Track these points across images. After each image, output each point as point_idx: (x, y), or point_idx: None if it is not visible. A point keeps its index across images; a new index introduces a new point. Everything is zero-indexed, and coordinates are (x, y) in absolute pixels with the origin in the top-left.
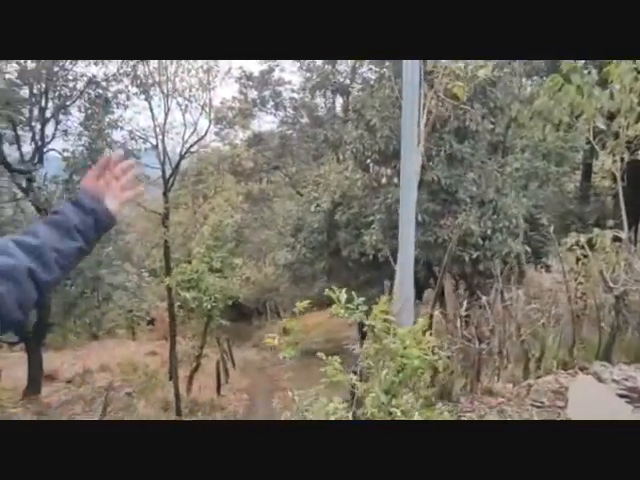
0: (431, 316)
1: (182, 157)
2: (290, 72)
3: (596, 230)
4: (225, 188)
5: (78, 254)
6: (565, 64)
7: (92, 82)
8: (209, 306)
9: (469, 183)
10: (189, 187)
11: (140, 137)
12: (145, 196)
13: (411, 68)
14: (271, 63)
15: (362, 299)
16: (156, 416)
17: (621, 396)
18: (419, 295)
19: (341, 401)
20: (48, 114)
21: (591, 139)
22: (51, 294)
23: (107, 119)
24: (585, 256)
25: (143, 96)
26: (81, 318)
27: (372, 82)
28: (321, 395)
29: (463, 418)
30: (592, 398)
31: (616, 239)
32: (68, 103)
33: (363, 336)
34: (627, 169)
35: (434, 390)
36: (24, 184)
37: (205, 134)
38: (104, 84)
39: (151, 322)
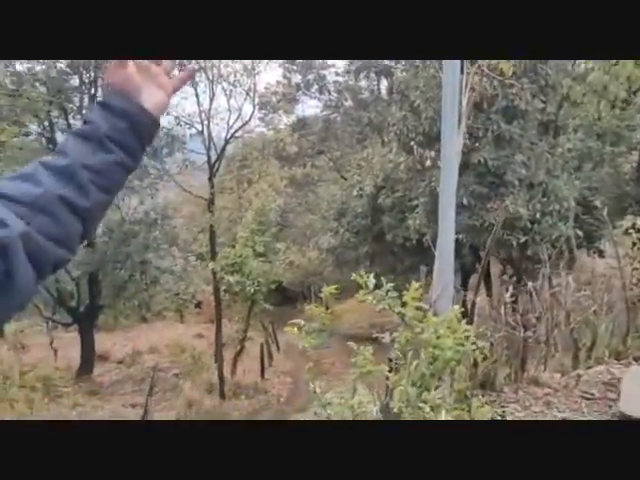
0: (474, 303)
1: (227, 142)
2: None
3: None
4: (269, 173)
5: (117, 169)
6: None
7: None
8: (252, 290)
9: (517, 165)
10: (234, 172)
11: (186, 123)
12: (191, 182)
13: None
14: None
15: (391, 285)
16: (200, 398)
17: None
18: (465, 281)
19: (367, 394)
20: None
21: None
22: (101, 276)
23: None
24: None
25: (189, 82)
26: (130, 301)
27: (417, 63)
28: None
29: (506, 409)
30: None
31: None
32: None
33: None
34: None
35: (469, 384)
36: None
37: (249, 119)
38: None
39: (198, 305)
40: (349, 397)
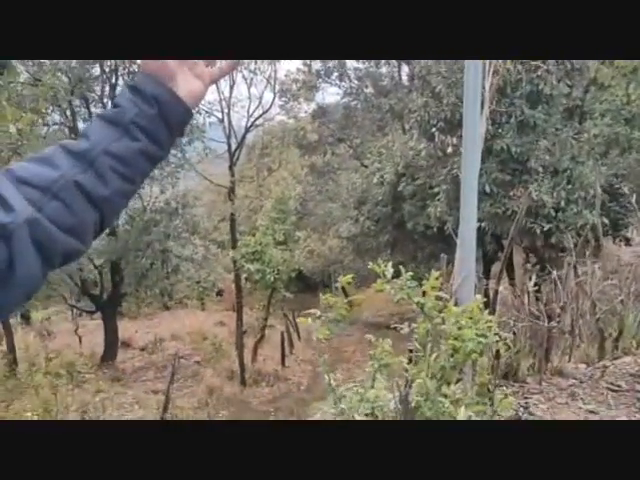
0: (496, 292)
1: (247, 131)
2: None
3: None
4: (289, 161)
5: (142, 158)
6: None
7: None
8: (272, 278)
9: (542, 151)
10: (254, 160)
11: (206, 111)
12: (212, 170)
13: None
14: None
15: (410, 274)
16: (221, 385)
17: None
18: (487, 270)
19: (385, 387)
20: (119, 91)
21: None
22: (123, 264)
23: None
24: None
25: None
26: (152, 289)
27: None
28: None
29: (529, 400)
30: None
31: None
32: None
33: None
34: None
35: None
36: None
37: (270, 107)
38: None
39: (219, 293)
40: (365, 390)
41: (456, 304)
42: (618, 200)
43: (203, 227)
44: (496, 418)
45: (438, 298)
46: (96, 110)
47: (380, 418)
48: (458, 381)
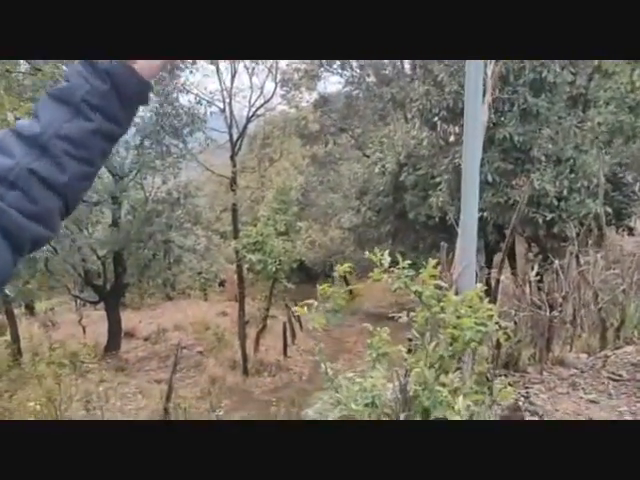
0: (497, 281)
1: (249, 120)
2: None
3: None
4: (291, 151)
5: (98, 138)
6: None
7: None
8: (274, 268)
9: (544, 140)
10: (256, 151)
11: (207, 101)
12: (213, 160)
13: None
14: None
15: (408, 262)
16: (224, 374)
17: None
18: (489, 260)
19: (384, 376)
20: None
21: None
22: (125, 255)
23: (174, 83)
24: None
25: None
26: (154, 279)
27: None
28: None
29: (530, 390)
30: None
31: None
32: None
33: None
34: None
35: (490, 366)
36: None
37: (271, 97)
38: None
39: (222, 284)
40: (365, 379)
41: (457, 293)
42: (621, 189)
43: (205, 217)
44: (495, 407)
45: (437, 287)
46: None
47: (379, 408)
48: (457, 370)
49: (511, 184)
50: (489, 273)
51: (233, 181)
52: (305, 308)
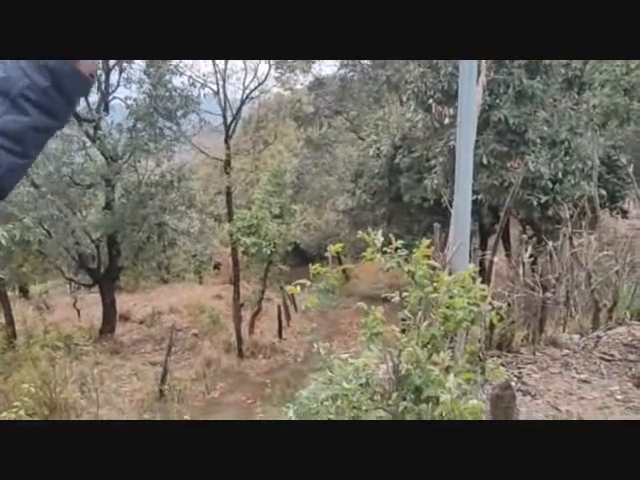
0: (491, 262)
1: (243, 103)
2: None
3: None
4: (285, 134)
5: (33, 132)
6: None
7: None
8: (268, 251)
9: (539, 122)
10: (250, 133)
11: (201, 83)
12: (207, 143)
13: None
14: None
15: (401, 242)
16: (219, 357)
17: None
18: (484, 242)
19: (377, 355)
20: (112, 62)
21: None
22: (119, 238)
23: (167, 65)
24: None
25: None
26: (149, 262)
27: None
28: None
29: (523, 370)
30: None
31: None
32: None
33: None
34: None
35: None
36: (92, 132)
37: (265, 79)
38: None
39: (217, 267)
40: (358, 359)
41: (450, 274)
42: (616, 172)
43: (199, 200)
44: (487, 386)
45: (431, 267)
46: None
47: (372, 387)
48: (450, 350)
49: (506, 166)
50: (483, 255)
51: (227, 164)
52: (297, 288)
